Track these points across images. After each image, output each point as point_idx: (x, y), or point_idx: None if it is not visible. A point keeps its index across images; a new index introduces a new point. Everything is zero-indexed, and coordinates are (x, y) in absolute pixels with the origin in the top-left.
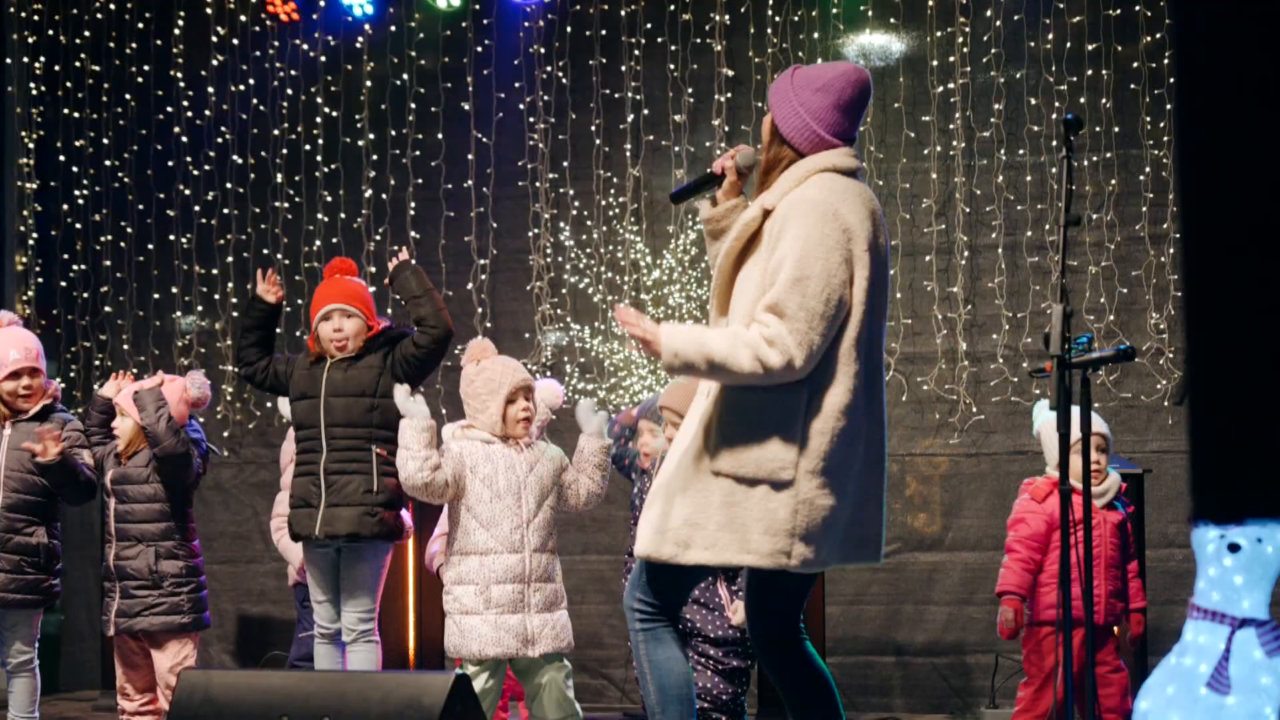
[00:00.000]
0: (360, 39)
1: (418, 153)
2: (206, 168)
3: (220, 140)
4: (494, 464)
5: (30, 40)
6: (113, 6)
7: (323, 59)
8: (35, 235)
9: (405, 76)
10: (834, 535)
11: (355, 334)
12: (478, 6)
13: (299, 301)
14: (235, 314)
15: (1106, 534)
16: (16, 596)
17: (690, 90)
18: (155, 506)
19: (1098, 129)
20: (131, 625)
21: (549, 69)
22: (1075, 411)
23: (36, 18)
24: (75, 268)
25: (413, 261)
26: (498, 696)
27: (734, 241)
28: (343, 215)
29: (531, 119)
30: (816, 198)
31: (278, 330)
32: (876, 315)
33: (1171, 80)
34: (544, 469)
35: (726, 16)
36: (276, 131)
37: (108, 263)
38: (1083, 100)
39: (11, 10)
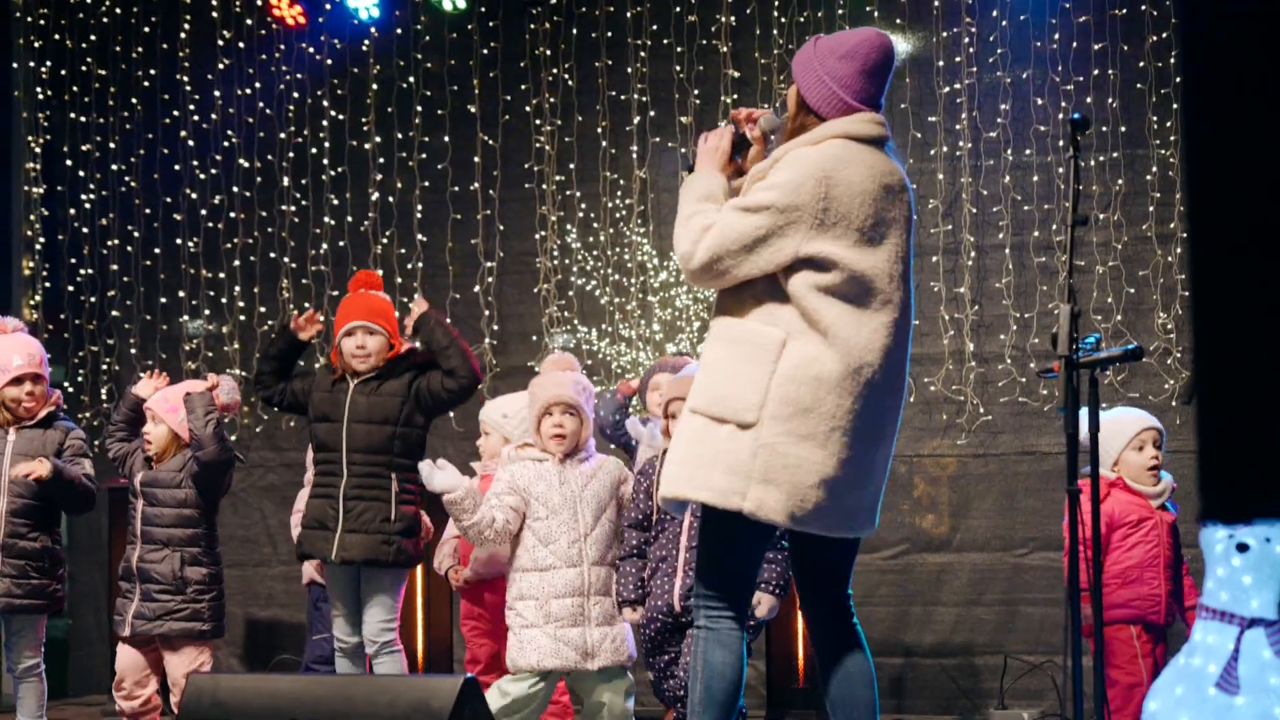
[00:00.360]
0: (366, 42)
1: (424, 156)
2: (213, 171)
3: (226, 144)
4: (547, 481)
5: (36, 45)
6: (119, 11)
7: (329, 62)
8: (42, 240)
9: (411, 79)
10: (805, 492)
11: (378, 351)
12: (484, 9)
13: (306, 305)
14: (243, 318)
15: (1163, 534)
16: (23, 601)
17: (696, 92)
18: (185, 512)
19: (1104, 129)
20: (150, 629)
21: (555, 71)
22: (1132, 413)
23: (43, 22)
24: (82, 272)
25: (433, 310)
26: (541, 707)
27: (746, 186)
28: (349, 218)
29: (538, 121)
30: (813, 157)
31: (300, 362)
32: (886, 283)
33: (1178, 80)
34: (601, 482)
35: (732, 18)
36: (283, 135)
37: (114, 267)
38: (1089, 100)
39: (18, 15)
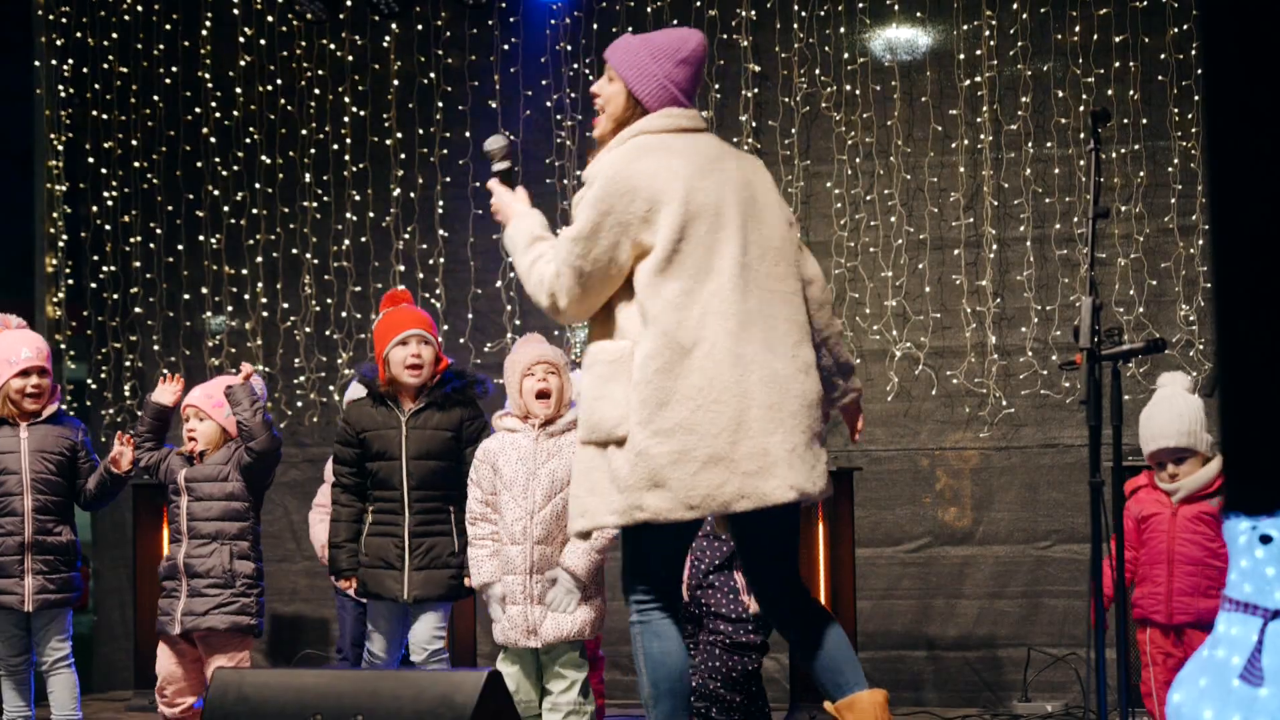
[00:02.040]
0: (387, 38)
1: (445, 151)
2: (235, 168)
3: (248, 140)
4: (507, 454)
5: (58, 43)
6: (140, 8)
7: (350, 58)
8: (65, 237)
9: (432, 75)
10: (692, 481)
11: (430, 362)
12: (504, 4)
13: (328, 301)
14: (265, 314)
15: (1175, 529)
16: (56, 596)
17: (717, 86)
18: (234, 505)
19: (1125, 121)
20: (199, 624)
21: (575, 66)
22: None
23: (64, 20)
24: (105, 269)
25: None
26: (529, 691)
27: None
28: (371, 214)
29: (559, 116)
30: (606, 169)
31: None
32: (711, 254)
33: (1199, 72)
34: (561, 462)
35: (753, 12)
36: (304, 131)
37: (137, 264)
38: (1110, 92)
39: (40, 13)
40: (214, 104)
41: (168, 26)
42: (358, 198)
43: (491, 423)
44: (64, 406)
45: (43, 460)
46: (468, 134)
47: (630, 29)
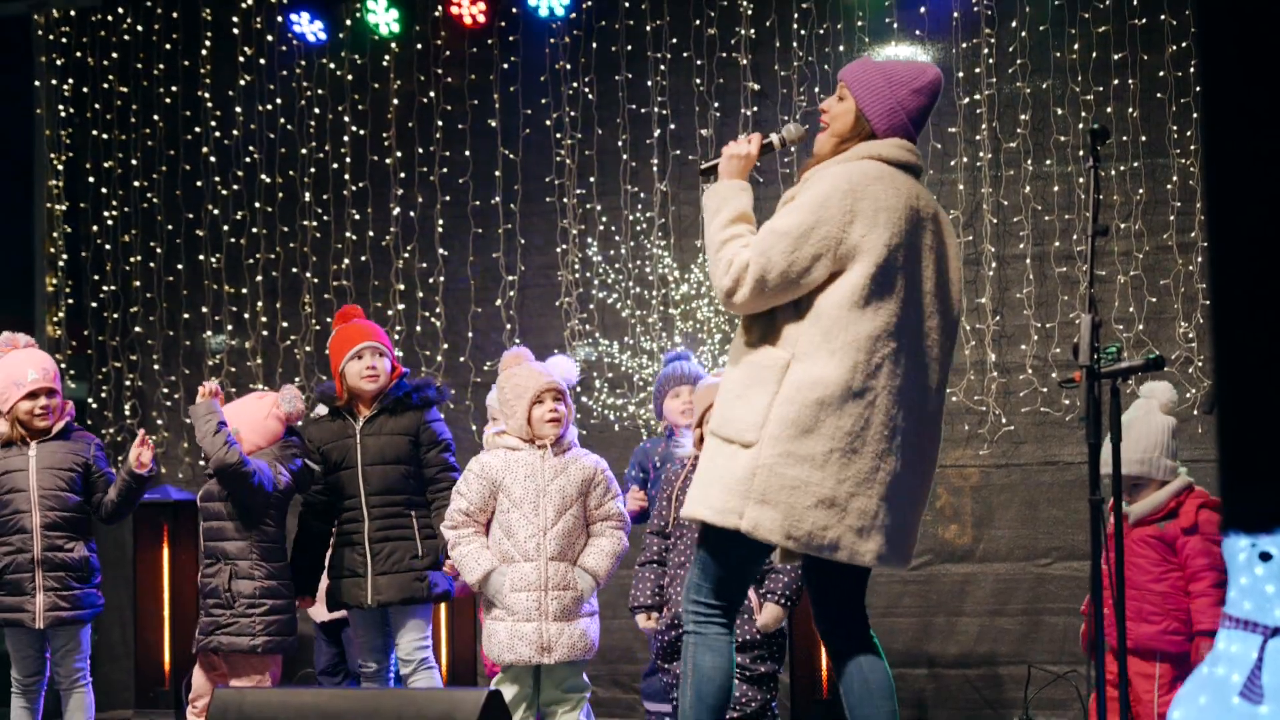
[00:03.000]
0: (387, 57)
1: (445, 170)
2: (235, 187)
3: (248, 160)
4: (514, 472)
5: (59, 62)
6: (140, 28)
7: (349, 78)
8: (65, 256)
9: (432, 94)
10: (802, 514)
11: (385, 372)
12: (504, 24)
13: (328, 320)
14: (265, 333)
15: (1130, 552)
16: (69, 613)
17: (716, 105)
18: (229, 525)
19: (1124, 138)
20: (208, 644)
21: (575, 85)
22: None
23: (65, 40)
24: (105, 288)
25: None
26: (526, 701)
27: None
28: (371, 233)
29: (558, 135)
30: (838, 176)
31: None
32: (903, 306)
33: (1198, 89)
34: (569, 478)
35: (752, 31)
36: (304, 150)
37: (138, 283)
38: (1109, 110)
39: (40, 33)
40: (214, 123)
41: (168, 46)
42: (357, 216)
43: (486, 440)
44: (74, 422)
45: (52, 477)
46: (467, 153)
47: (629, 47)
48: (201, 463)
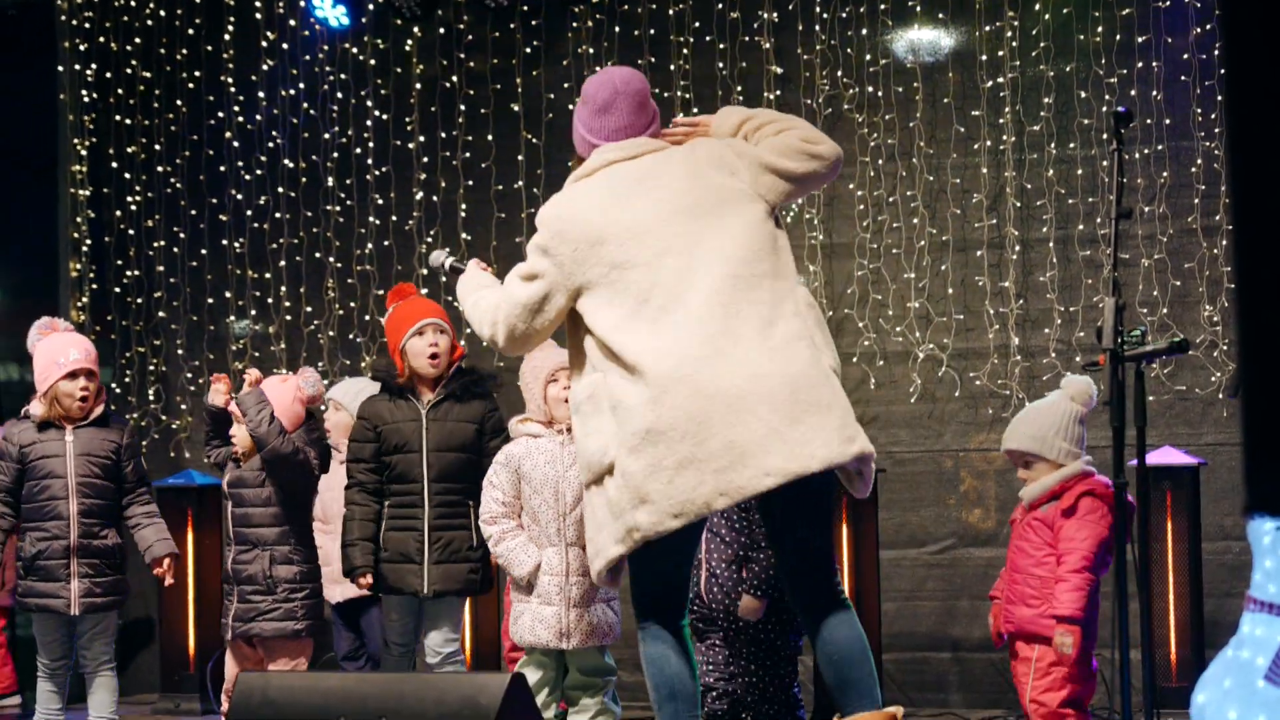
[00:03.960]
0: (409, 42)
1: (468, 155)
2: (258, 172)
3: (271, 145)
4: (534, 459)
5: (81, 48)
6: (163, 13)
7: (372, 62)
8: (89, 242)
9: (455, 78)
10: (669, 490)
11: (447, 351)
12: (526, 7)
13: (351, 305)
14: (289, 318)
15: (1017, 537)
16: (103, 600)
17: (739, 89)
18: (270, 510)
19: (1148, 121)
20: (248, 630)
21: (598, 68)
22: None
23: (87, 25)
24: (129, 274)
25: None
26: (550, 684)
27: None
28: (394, 218)
29: None
30: (544, 212)
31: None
32: (647, 272)
33: (1222, 71)
34: None
35: (775, 14)
36: (327, 135)
37: (161, 268)
38: (1133, 93)
39: (63, 18)
40: (237, 108)
41: (190, 31)
42: (380, 201)
43: (511, 428)
44: (111, 407)
45: (89, 464)
46: (490, 137)
47: (652, 31)
48: (232, 448)
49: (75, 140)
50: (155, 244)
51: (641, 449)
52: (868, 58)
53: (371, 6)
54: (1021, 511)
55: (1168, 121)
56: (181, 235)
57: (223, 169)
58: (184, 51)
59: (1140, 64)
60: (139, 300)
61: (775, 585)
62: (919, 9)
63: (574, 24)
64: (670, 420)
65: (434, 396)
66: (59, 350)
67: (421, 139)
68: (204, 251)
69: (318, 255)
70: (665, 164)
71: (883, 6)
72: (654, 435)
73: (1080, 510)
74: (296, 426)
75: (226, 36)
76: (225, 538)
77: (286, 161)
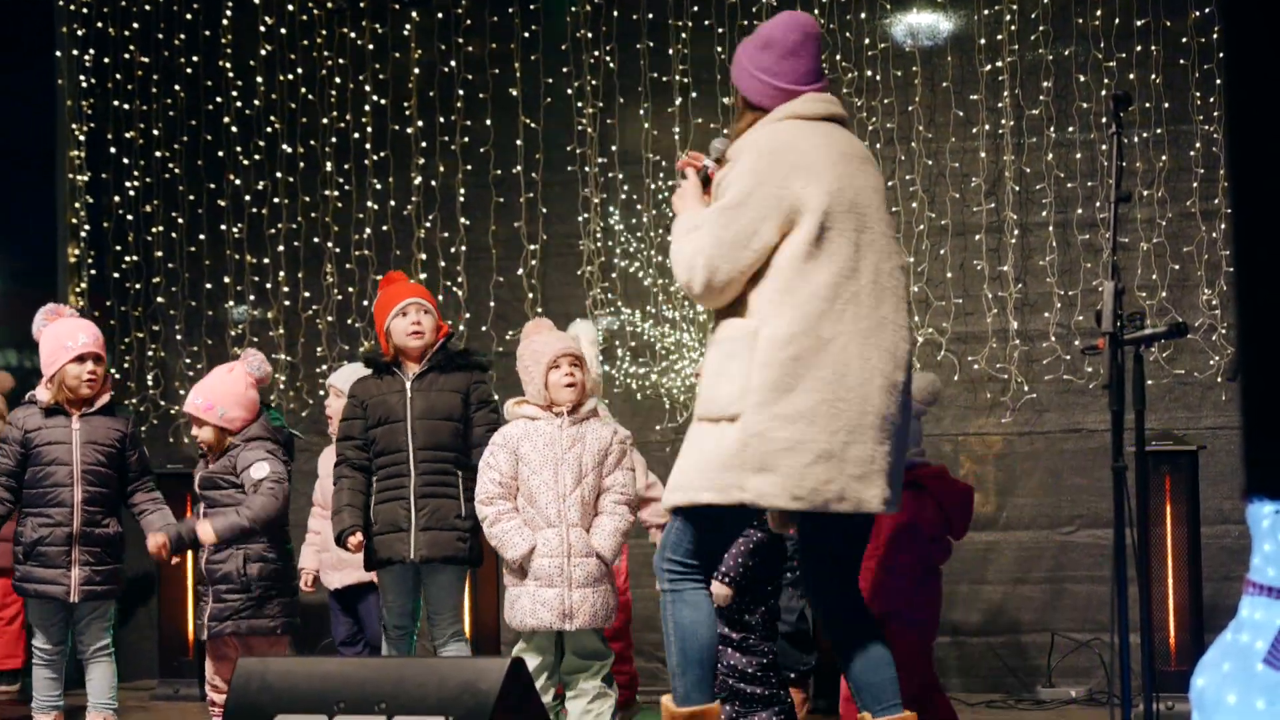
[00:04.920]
0: (408, 26)
1: (466, 139)
2: (256, 157)
3: (270, 129)
4: (532, 440)
5: (79, 33)
6: None
7: (370, 47)
8: (87, 227)
9: (453, 63)
10: (803, 472)
11: (431, 329)
12: None
13: (350, 290)
14: (287, 303)
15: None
16: (101, 587)
17: None
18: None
19: (1147, 105)
20: (223, 629)
21: (596, 54)
22: None
23: (85, 10)
24: (127, 259)
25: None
26: (548, 669)
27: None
28: (392, 203)
29: (580, 104)
30: (759, 140)
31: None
32: (856, 250)
33: (1221, 55)
34: (586, 446)
35: None
36: (325, 120)
37: (159, 254)
38: (1132, 76)
39: (60, 4)
40: (235, 93)
41: (188, 16)
42: (379, 186)
43: (507, 410)
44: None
45: (94, 452)
46: (488, 122)
47: (650, 16)
48: (200, 453)
49: (73, 126)
50: (154, 229)
51: (792, 423)
52: (866, 42)
53: None
54: None
55: (1166, 105)
56: (180, 220)
57: (221, 154)
58: (182, 36)
59: (1139, 48)
60: (137, 286)
61: (742, 574)
62: None
63: (572, 8)
64: (832, 412)
65: (419, 368)
66: (67, 334)
67: (420, 124)
68: (202, 237)
69: (316, 240)
70: (856, 146)
71: None
72: (810, 417)
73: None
74: (254, 412)
75: (224, 21)
76: None
77: (285, 146)
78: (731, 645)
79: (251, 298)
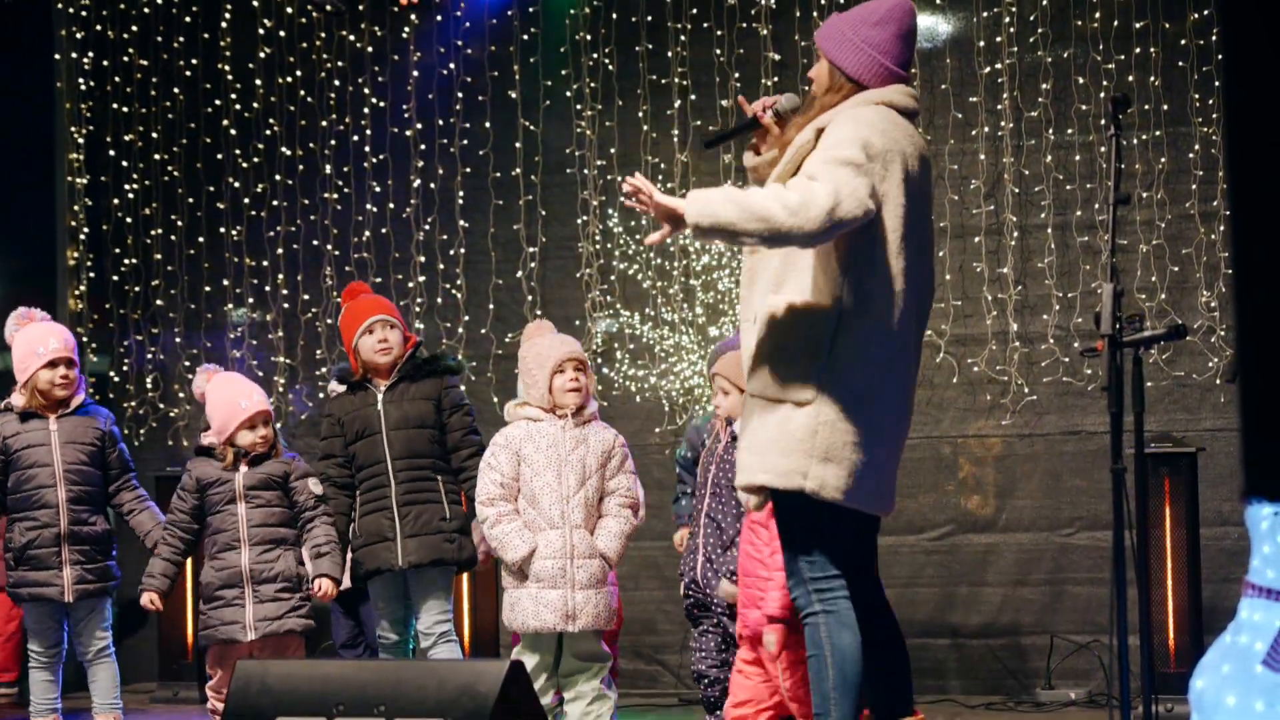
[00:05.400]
0: (406, 29)
1: (465, 142)
2: (255, 160)
3: (269, 132)
4: (535, 442)
5: (78, 36)
6: (160, 1)
7: (369, 50)
8: (86, 230)
9: (452, 66)
10: (861, 470)
11: (398, 344)
12: None
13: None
14: (286, 306)
15: (745, 537)
16: (95, 586)
17: (737, 75)
18: (290, 511)
19: (1146, 107)
20: (278, 628)
21: (595, 56)
22: None
23: (84, 13)
24: (126, 262)
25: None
26: (546, 670)
27: (787, 165)
28: (391, 205)
29: (579, 106)
30: (869, 116)
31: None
32: (916, 256)
33: (1220, 57)
34: (589, 448)
35: (772, 0)
36: (324, 123)
37: (158, 256)
38: (1131, 78)
39: (59, 6)
40: (234, 96)
41: (187, 19)
42: (378, 189)
43: (507, 411)
44: (91, 397)
45: (75, 451)
46: (487, 124)
47: (649, 18)
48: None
49: (72, 128)
50: (153, 232)
51: (883, 436)
52: None
53: None
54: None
55: (1165, 107)
56: (179, 223)
57: (220, 157)
58: (181, 39)
59: (1138, 49)
60: (137, 288)
61: None
62: None
63: (571, 10)
64: (899, 430)
65: (389, 381)
66: (38, 340)
67: (419, 126)
68: (201, 239)
69: (315, 243)
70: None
71: None
72: (892, 434)
73: None
74: (263, 415)
75: (223, 24)
76: (232, 540)
77: (284, 149)
78: (724, 634)
79: (251, 300)
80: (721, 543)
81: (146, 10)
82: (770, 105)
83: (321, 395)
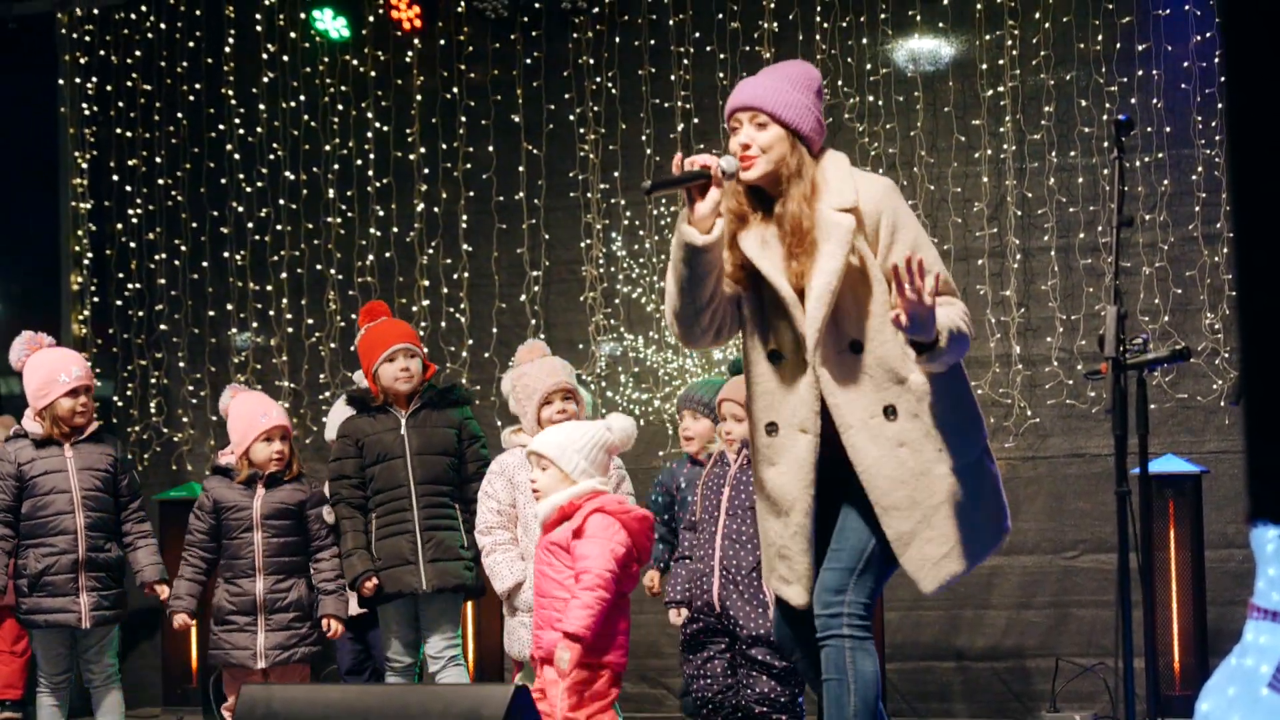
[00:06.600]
0: (410, 53)
1: (469, 166)
2: (259, 184)
3: (272, 157)
4: (529, 470)
5: (82, 61)
6: (163, 26)
7: (373, 74)
8: (90, 255)
9: (455, 90)
10: None
11: (419, 372)
12: (526, 19)
13: (353, 317)
14: (290, 330)
15: (540, 559)
16: (110, 612)
17: None
18: (300, 540)
19: (1149, 129)
20: (290, 656)
21: (598, 79)
22: None
23: (88, 38)
24: (130, 286)
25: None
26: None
27: (845, 257)
28: (395, 229)
29: (582, 130)
30: (885, 182)
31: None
32: None
33: (1222, 79)
34: None
35: (775, 24)
36: (328, 147)
37: (162, 281)
38: (1133, 101)
39: (63, 32)
40: (237, 120)
41: (191, 44)
42: (381, 213)
43: (503, 439)
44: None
45: (91, 478)
46: (490, 148)
47: (652, 42)
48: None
49: (76, 153)
50: (156, 257)
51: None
52: (868, 67)
53: (372, 19)
54: (542, 537)
55: (1168, 129)
56: (183, 248)
57: (224, 181)
58: (184, 64)
59: (1140, 72)
60: (140, 313)
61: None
62: (919, 18)
63: (574, 35)
64: None
65: (412, 407)
66: (59, 367)
67: (422, 150)
68: (205, 264)
69: (319, 267)
70: None
71: (883, 16)
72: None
73: (590, 529)
74: (280, 430)
75: (227, 49)
76: (248, 567)
77: (287, 173)
78: (770, 673)
79: (254, 325)
80: (748, 565)
81: (150, 35)
82: (716, 162)
83: (324, 420)
